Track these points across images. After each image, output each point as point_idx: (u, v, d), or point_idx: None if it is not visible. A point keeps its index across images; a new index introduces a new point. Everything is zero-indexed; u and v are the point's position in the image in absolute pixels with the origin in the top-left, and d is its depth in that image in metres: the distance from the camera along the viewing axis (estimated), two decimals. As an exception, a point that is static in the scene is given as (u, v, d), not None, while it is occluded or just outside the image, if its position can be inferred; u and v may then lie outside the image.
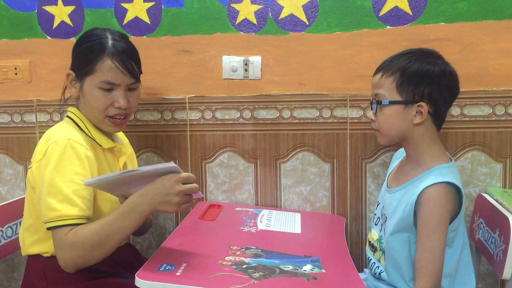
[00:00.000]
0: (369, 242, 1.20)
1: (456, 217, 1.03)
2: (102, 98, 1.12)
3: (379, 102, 1.08)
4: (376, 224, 1.19)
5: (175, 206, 0.98)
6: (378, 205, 1.21)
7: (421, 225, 1.01)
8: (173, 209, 0.98)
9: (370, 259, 1.18)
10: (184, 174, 0.98)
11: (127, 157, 1.25)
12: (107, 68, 1.11)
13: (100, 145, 1.15)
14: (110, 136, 1.22)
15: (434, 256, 0.99)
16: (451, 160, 1.10)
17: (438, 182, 1.01)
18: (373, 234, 1.18)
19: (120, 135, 1.34)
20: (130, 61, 1.13)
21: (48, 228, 1.01)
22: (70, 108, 1.18)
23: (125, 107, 1.13)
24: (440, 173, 1.04)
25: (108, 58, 1.11)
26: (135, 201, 1.00)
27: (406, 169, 1.14)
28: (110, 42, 1.12)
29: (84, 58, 1.11)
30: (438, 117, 1.07)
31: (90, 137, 1.14)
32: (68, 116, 1.17)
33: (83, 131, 1.14)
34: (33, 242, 1.11)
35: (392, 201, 1.11)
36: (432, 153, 1.08)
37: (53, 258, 1.08)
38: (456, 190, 1.02)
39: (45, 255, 1.10)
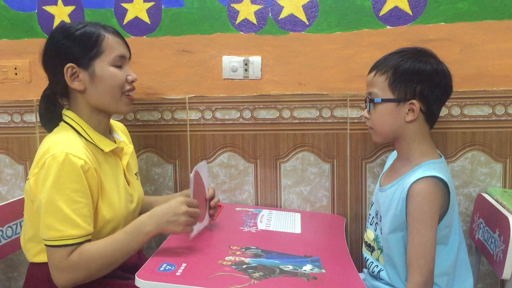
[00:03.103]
0: (365, 242, 1.21)
1: (447, 213, 1.04)
2: (118, 73, 1.12)
3: (372, 100, 1.10)
4: (371, 224, 1.19)
5: (181, 225, 1.04)
6: (372, 205, 1.22)
7: (411, 220, 1.02)
8: (180, 229, 1.04)
9: (368, 259, 1.18)
10: (190, 199, 1.07)
11: (129, 156, 1.23)
12: (114, 43, 1.13)
13: (102, 149, 1.13)
14: (110, 136, 1.21)
15: (425, 250, 0.99)
16: (441, 156, 1.11)
17: (425, 176, 1.02)
18: (369, 234, 1.19)
19: (121, 127, 1.34)
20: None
21: (47, 245, 1.00)
22: (66, 112, 1.15)
23: (136, 79, 1.17)
24: (427, 168, 1.05)
25: (110, 35, 1.13)
26: (143, 221, 1.04)
27: (397, 167, 1.15)
28: (98, 24, 1.13)
29: (85, 43, 1.09)
30: (430, 115, 1.08)
31: (90, 142, 1.11)
32: (64, 121, 1.14)
33: (82, 136, 1.11)
34: (39, 251, 1.10)
35: (385, 200, 1.11)
36: (421, 150, 1.09)
37: None
38: (444, 185, 1.03)
39: None
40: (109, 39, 1.12)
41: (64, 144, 1.04)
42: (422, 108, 1.06)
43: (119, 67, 1.13)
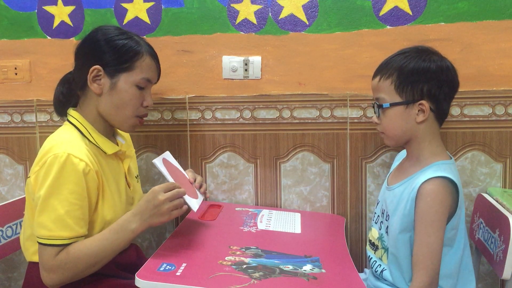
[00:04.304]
0: (370, 240, 1.20)
1: (454, 214, 1.04)
2: (137, 96, 1.13)
3: (380, 106, 1.09)
4: (376, 223, 1.19)
5: (166, 215, 1.04)
6: (378, 204, 1.21)
7: (419, 220, 1.02)
8: (165, 218, 1.04)
9: (371, 258, 1.18)
10: (163, 184, 1.06)
11: (130, 160, 1.23)
12: (148, 66, 1.13)
13: (105, 152, 1.13)
14: (113, 138, 1.22)
15: (432, 251, 0.99)
16: (450, 158, 1.10)
17: (435, 176, 1.01)
18: (373, 233, 1.18)
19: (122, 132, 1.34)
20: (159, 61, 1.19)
21: (38, 243, 1.01)
22: (71, 112, 1.15)
23: (151, 105, 1.17)
24: (438, 168, 1.04)
25: (148, 56, 1.13)
26: (128, 219, 1.05)
27: (405, 167, 1.15)
28: (142, 41, 1.14)
29: (122, 55, 1.10)
30: (440, 113, 1.08)
31: (94, 143, 1.11)
32: (69, 121, 1.14)
33: (86, 137, 1.11)
34: (37, 250, 1.10)
35: (393, 199, 1.11)
36: (432, 150, 1.09)
37: None
38: (453, 186, 1.02)
39: None
40: (145, 61, 1.13)
41: (66, 145, 1.04)
42: (431, 107, 1.05)
43: (142, 89, 1.14)
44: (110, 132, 1.19)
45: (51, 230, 0.99)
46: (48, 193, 1.00)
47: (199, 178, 1.25)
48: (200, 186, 1.24)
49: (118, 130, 1.27)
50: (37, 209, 1.01)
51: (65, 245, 1.00)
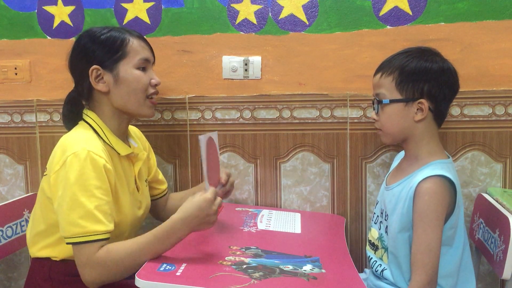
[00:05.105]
0: (370, 241, 1.20)
1: (453, 213, 1.04)
2: (142, 76, 1.14)
3: (380, 102, 1.09)
4: (375, 223, 1.19)
5: (212, 223, 1.05)
6: (377, 204, 1.22)
7: (417, 219, 1.02)
8: (210, 226, 1.05)
9: (371, 258, 1.18)
10: (213, 195, 1.04)
11: (142, 163, 1.23)
12: (139, 47, 1.15)
13: (118, 153, 1.13)
14: (126, 141, 1.22)
15: (430, 249, 0.99)
16: (448, 157, 1.11)
17: (433, 175, 1.02)
18: (373, 233, 1.19)
19: (138, 133, 1.34)
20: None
21: (71, 243, 1.00)
22: (87, 112, 1.15)
23: (159, 83, 1.18)
24: (435, 167, 1.05)
25: (135, 39, 1.15)
26: (176, 226, 1.02)
27: (404, 166, 1.15)
28: (123, 29, 1.16)
29: (110, 47, 1.11)
30: (439, 113, 1.08)
31: (108, 144, 1.12)
32: (84, 120, 1.14)
33: (100, 137, 1.11)
34: (45, 246, 1.10)
35: (391, 198, 1.11)
36: (429, 149, 1.09)
37: (60, 262, 1.08)
38: (451, 185, 1.03)
39: (54, 259, 1.10)
40: (134, 43, 1.14)
41: (84, 142, 1.05)
42: (430, 107, 1.06)
43: (143, 70, 1.15)
44: (124, 134, 1.20)
45: (84, 227, 0.98)
46: (74, 191, 0.99)
47: (231, 180, 1.25)
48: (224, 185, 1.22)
49: (131, 133, 1.28)
50: (64, 209, 1.00)
51: (100, 240, 1.00)
